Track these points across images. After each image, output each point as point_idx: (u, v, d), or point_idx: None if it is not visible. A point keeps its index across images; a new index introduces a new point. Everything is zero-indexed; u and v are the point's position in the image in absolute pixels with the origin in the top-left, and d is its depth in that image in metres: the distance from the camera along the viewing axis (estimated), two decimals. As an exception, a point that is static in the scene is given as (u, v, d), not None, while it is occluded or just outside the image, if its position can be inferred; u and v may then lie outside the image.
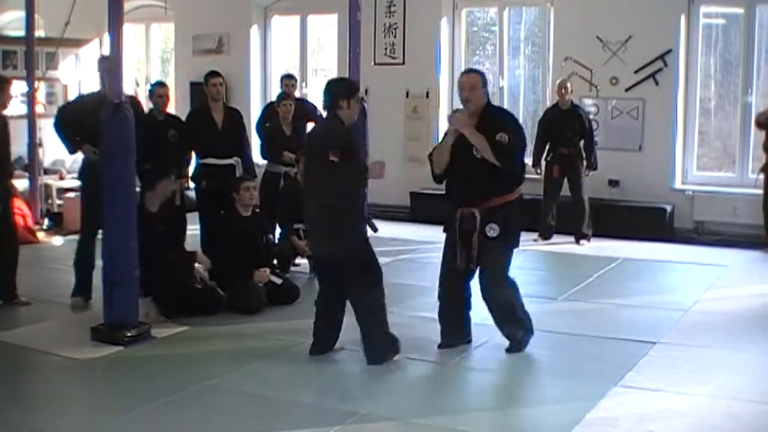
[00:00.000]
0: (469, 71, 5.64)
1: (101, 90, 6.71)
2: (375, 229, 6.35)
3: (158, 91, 7.55)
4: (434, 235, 7.94)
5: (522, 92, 11.21)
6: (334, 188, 5.12)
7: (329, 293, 5.42)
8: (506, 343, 5.55)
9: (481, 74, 5.52)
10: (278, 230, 7.86)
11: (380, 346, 5.28)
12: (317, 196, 5.20)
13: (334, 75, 11.71)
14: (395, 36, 11.11)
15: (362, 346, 5.31)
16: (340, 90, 5.31)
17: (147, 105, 7.81)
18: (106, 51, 6.88)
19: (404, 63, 11.04)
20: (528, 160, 7.55)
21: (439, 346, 5.56)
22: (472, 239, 5.30)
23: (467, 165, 5.30)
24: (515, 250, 5.53)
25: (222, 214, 7.12)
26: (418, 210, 10.39)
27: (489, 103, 5.48)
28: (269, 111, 9.02)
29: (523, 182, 5.53)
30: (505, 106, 9.79)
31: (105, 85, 6.62)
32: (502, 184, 5.35)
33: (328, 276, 5.40)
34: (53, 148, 9.85)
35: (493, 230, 5.29)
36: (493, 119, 5.35)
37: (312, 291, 7.30)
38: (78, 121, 6.57)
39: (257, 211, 7.08)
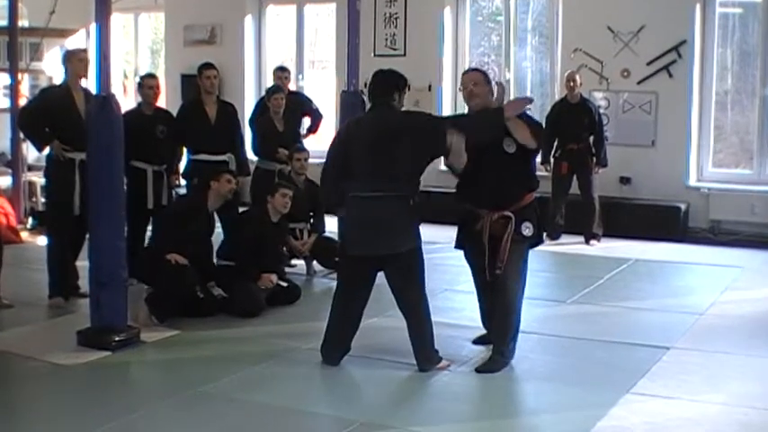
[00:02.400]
0: (470, 70, 5.71)
1: (65, 83, 6.76)
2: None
3: (148, 83, 7.52)
4: (435, 234, 7.96)
5: (528, 85, 11.21)
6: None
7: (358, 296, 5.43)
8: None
9: (483, 72, 5.57)
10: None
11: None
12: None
13: (332, 67, 11.75)
14: (396, 26, 11.11)
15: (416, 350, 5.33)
16: (392, 82, 5.36)
17: (135, 98, 7.80)
18: (93, 42, 6.89)
19: (405, 55, 11.04)
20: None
21: (473, 342, 5.72)
22: (502, 244, 5.24)
23: (496, 163, 5.26)
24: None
25: (249, 210, 7.21)
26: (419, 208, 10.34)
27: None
28: (262, 105, 9.02)
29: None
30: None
31: (69, 78, 6.67)
32: (531, 181, 5.38)
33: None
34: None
35: (528, 229, 5.29)
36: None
37: (311, 292, 7.38)
38: (45, 118, 6.63)
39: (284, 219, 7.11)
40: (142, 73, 10.00)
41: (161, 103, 8.11)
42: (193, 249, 6.50)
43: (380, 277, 5.35)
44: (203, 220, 6.70)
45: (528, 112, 5.51)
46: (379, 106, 5.34)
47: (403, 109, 5.43)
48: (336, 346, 5.41)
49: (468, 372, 5.33)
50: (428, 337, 5.33)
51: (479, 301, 5.65)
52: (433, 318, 5.40)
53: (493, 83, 5.49)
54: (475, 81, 5.38)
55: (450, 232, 5.66)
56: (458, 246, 5.59)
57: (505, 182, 5.29)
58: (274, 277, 6.73)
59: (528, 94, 11.08)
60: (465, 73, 5.59)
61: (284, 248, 7.34)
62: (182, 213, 6.72)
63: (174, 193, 7.67)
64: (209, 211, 6.73)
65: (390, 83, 5.36)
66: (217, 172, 6.84)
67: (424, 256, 5.34)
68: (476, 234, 5.36)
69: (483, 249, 5.31)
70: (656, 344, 5.85)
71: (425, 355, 5.31)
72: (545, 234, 9.17)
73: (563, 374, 5.38)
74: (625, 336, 6.06)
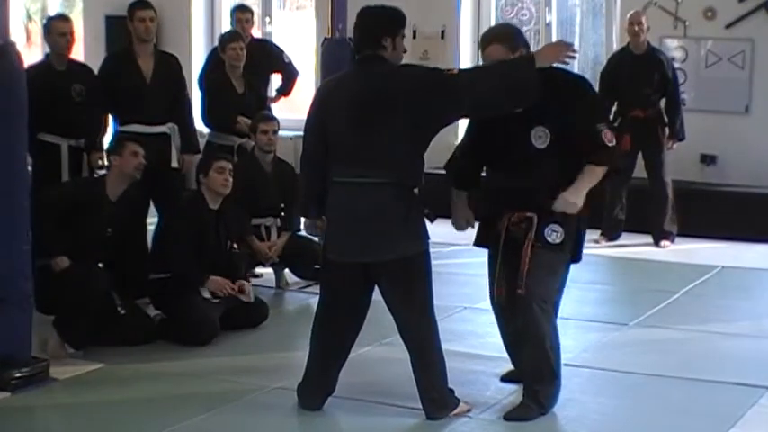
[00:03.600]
0: (488, 37, 5.45)
1: None
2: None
3: (58, 27, 7.50)
4: (449, 233, 7.99)
5: (577, 29, 11.22)
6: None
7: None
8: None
9: (508, 36, 5.37)
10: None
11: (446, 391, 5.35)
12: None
13: (310, 7, 11.74)
14: (397, -50, 11.10)
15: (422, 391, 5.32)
16: (380, 22, 5.29)
17: (42, 48, 7.80)
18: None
19: (410, -11, 11.05)
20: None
21: (501, 379, 5.82)
22: (523, 251, 5.23)
23: (522, 154, 5.24)
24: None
25: (182, 198, 7.17)
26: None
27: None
28: (215, 58, 9.03)
29: None
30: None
31: None
32: (571, 176, 5.32)
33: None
34: None
35: (555, 234, 5.24)
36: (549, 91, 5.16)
37: (282, 311, 7.39)
38: None
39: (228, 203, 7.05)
40: (52, 13, 9.99)
41: (77, 54, 8.11)
42: (102, 253, 6.48)
43: (377, 290, 5.33)
44: (107, 213, 6.57)
45: (565, 65, 5.40)
46: (364, 59, 5.30)
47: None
48: (318, 384, 5.41)
49: (495, 420, 5.32)
50: (438, 373, 5.31)
51: (498, 324, 5.66)
52: (448, 346, 5.40)
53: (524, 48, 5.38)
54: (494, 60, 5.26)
55: (471, 230, 5.64)
56: (478, 242, 5.59)
57: (529, 178, 5.25)
58: (228, 284, 6.67)
59: (576, 40, 11.11)
60: (483, 40, 5.41)
61: (237, 248, 7.26)
62: (72, 203, 6.54)
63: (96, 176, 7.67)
64: (113, 200, 6.58)
65: (378, 24, 5.28)
66: (119, 142, 6.79)
67: (434, 262, 5.32)
68: (497, 236, 5.39)
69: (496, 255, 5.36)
70: (751, 382, 5.85)
71: (435, 398, 5.29)
72: (600, 233, 9.30)
73: (623, 424, 5.37)
74: (709, 371, 6.07)
